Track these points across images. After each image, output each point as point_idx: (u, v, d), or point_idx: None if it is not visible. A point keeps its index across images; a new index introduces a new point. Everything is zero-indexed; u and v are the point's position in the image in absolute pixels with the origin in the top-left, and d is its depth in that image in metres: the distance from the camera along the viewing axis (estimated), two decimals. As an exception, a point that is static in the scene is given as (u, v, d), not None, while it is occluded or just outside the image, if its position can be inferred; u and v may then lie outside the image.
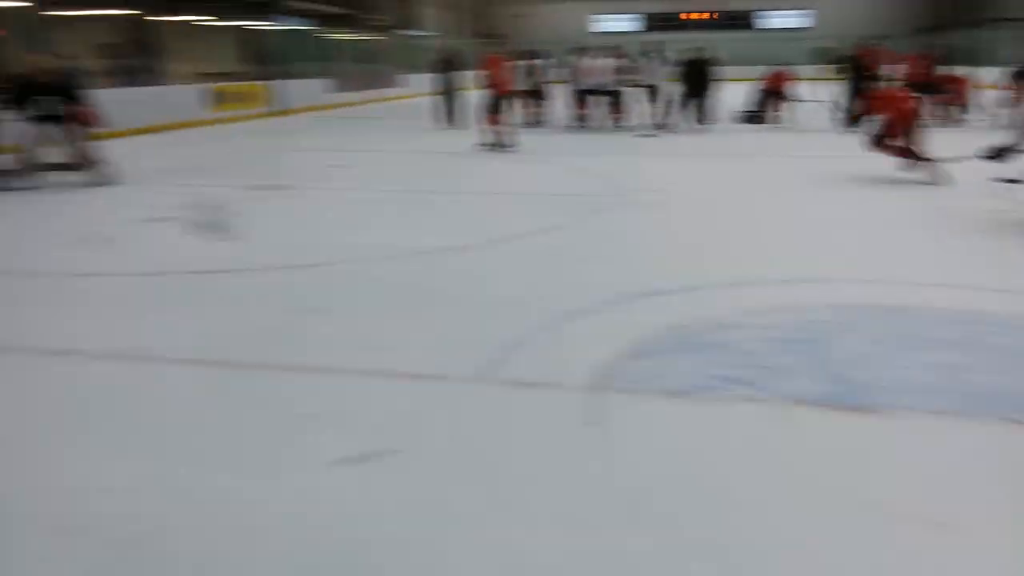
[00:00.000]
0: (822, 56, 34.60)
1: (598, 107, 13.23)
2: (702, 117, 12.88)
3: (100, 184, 7.72)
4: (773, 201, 7.04)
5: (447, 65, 14.07)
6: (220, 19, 19.71)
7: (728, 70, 13.32)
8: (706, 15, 40.08)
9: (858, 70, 12.62)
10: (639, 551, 2.02)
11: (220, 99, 15.01)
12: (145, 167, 9.02)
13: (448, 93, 14.09)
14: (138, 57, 15.33)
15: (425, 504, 2.24)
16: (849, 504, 2.22)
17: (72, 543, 2.08)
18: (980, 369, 3.10)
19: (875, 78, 13.18)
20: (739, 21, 39.92)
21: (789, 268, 4.65)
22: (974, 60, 20.29)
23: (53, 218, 6.48)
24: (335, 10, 25.60)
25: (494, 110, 10.39)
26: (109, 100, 8.80)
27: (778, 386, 2.95)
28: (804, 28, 39.11)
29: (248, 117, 15.59)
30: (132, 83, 14.53)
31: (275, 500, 2.27)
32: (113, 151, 8.40)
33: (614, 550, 2.03)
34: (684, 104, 12.85)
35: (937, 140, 8.00)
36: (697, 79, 12.71)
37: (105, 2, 15.16)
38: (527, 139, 11.53)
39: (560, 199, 7.07)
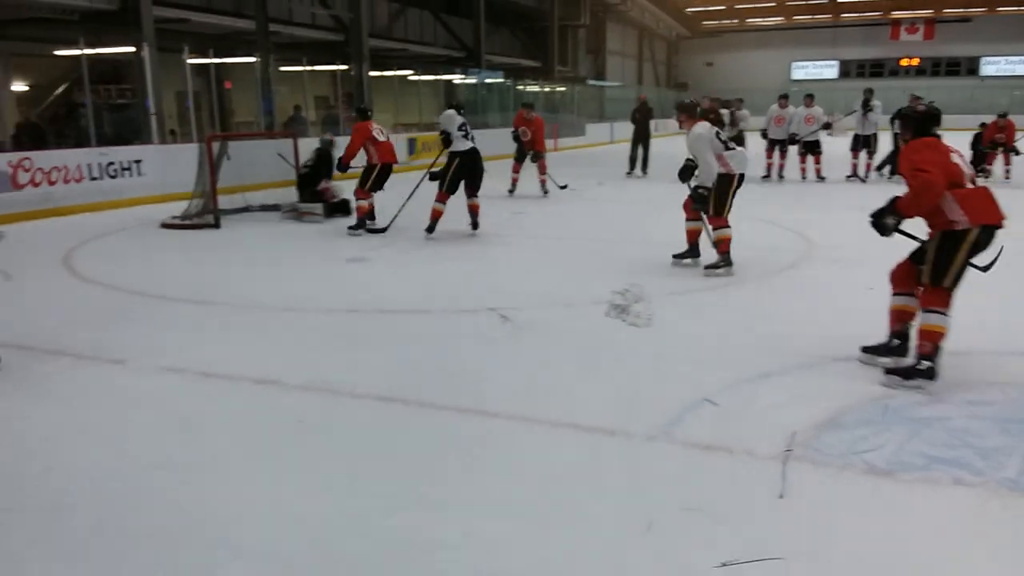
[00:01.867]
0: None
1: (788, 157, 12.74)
2: None
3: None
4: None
5: (639, 115, 14.13)
6: (420, 73, 21.15)
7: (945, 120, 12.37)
8: (916, 61, 37.67)
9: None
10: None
11: (418, 148, 16.02)
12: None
13: (639, 141, 14.12)
14: (347, 108, 16.76)
15: (603, 559, 2.23)
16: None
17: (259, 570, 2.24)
18: None
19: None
20: (958, 68, 37.09)
21: (1005, 338, 4.21)
22: None
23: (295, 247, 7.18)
24: (528, 62, 26.75)
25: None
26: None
27: (995, 470, 2.66)
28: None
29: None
30: (343, 132, 15.94)
31: (456, 544, 2.35)
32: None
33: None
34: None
35: None
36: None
37: (320, 59, 16.76)
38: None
39: (748, 252, 6.85)
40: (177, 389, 3.62)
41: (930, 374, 3.45)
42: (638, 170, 13.94)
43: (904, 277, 3.79)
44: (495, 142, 17.10)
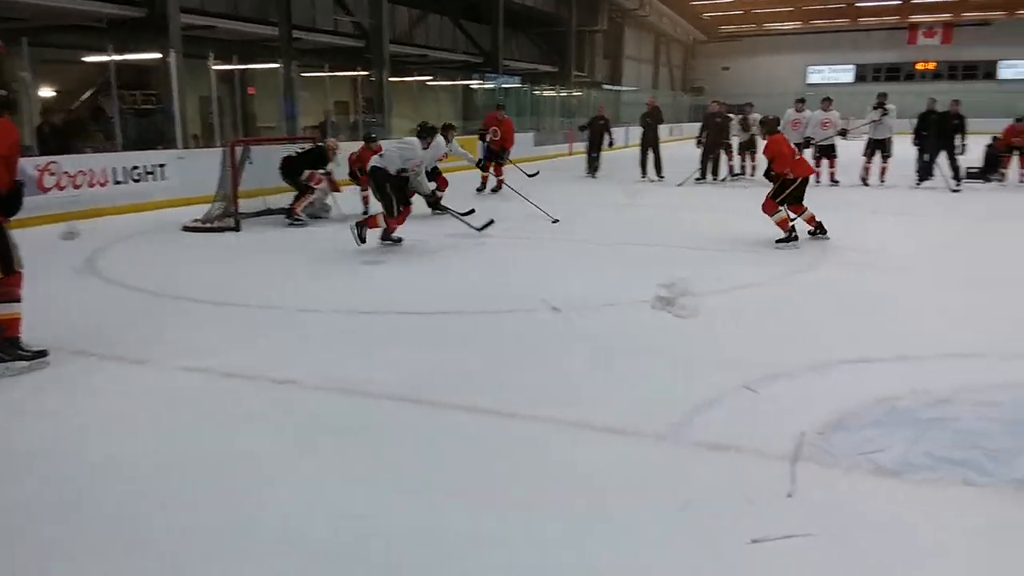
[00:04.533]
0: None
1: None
2: (955, 173, 11.89)
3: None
4: (996, 266, 6.40)
5: (650, 119, 14.16)
6: (439, 79, 21.30)
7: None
8: (933, 64, 37.44)
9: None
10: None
11: (435, 152, 16.12)
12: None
13: (648, 146, 14.17)
14: (367, 113, 16.93)
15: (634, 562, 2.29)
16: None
17: (292, 564, 2.31)
18: None
19: None
20: (975, 71, 36.82)
21: (1012, 340, 4.23)
22: None
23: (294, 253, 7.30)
24: (546, 67, 26.85)
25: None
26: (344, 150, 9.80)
27: (1005, 471, 2.70)
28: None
29: (458, 169, 16.58)
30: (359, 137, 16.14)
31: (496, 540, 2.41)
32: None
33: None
34: (926, 160, 11.97)
35: None
36: (944, 133, 11.78)
37: (342, 65, 16.95)
38: (741, 191, 11.34)
39: (763, 253, 6.89)
40: (201, 389, 3.72)
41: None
42: (652, 174, 13.97)
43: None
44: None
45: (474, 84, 22.14)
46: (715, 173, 13.50)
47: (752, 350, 4.15)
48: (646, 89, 32.85)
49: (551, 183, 12.76)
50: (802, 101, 12.87)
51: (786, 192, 7.13)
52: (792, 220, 7.22)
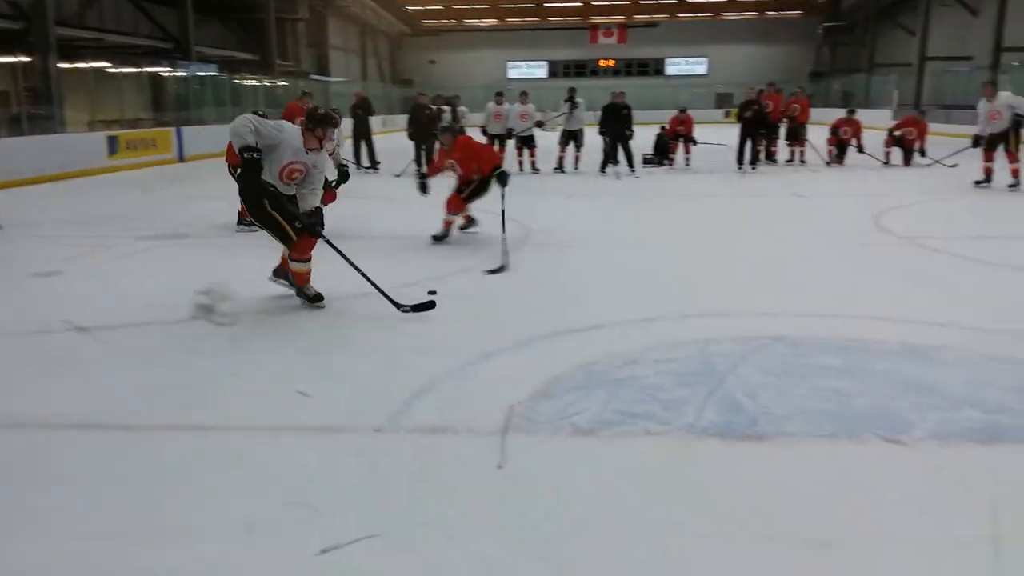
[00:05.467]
0: (720, 101, 36.49)
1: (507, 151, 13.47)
2: (629, 160, 13.08)
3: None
4: (676, 240, 7.33)
5: (360, 111, 14.10)
6: (119, 65, 19.21)
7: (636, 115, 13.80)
8: (612, 62, 41.73)
9: (758, 114, 13.30)
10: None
11: (121, 146, 14.56)
12: (31, 218, 8.65)
13: (361, 137, 14.10)
14: (31, 105, 14.78)
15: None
16: (743, 528, 2.32)
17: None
18: (860, 393, 3.31)
19: (772, 122, 14.00)
20: (647, 68, 41.71)
21: (694, 303, 4.86)
22: (862, 104, 21.71)
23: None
24: (245, 56, 25.41)
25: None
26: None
27: (677, 419, 3.07)
28: (700, 75, 41.13)
29: (151, 164, 15.16)
30: (27, 131, 14.04)
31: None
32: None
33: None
34: (610, 149, 13.14)
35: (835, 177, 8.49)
36: (618, 124, 12.90)
37: (-3, 48, 14.66)
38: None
39: (472, 240, 7.15)
40: None
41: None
42: (365, 162, 13.91)
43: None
44: (210, 140, 16.11)
45: (164, 72, 20.28)
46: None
47: (457, 335, 4.27)
48: (355, 80, 32.61)
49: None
50: (501, 95, 13.59)
51: (471, 189, 6.94)
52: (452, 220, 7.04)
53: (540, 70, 42.50)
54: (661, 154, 14.47)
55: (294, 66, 28.22)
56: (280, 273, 5.06)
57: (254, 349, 4.14)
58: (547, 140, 14.10)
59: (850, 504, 2.47)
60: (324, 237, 4.75)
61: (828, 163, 14.13)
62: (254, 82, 23.47)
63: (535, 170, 13.46)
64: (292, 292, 4.95)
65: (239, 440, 3.02)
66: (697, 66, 41.71)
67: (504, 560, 2.19)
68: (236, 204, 7.05)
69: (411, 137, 13.43)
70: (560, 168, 13.52)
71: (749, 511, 2.44)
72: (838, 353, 3.82)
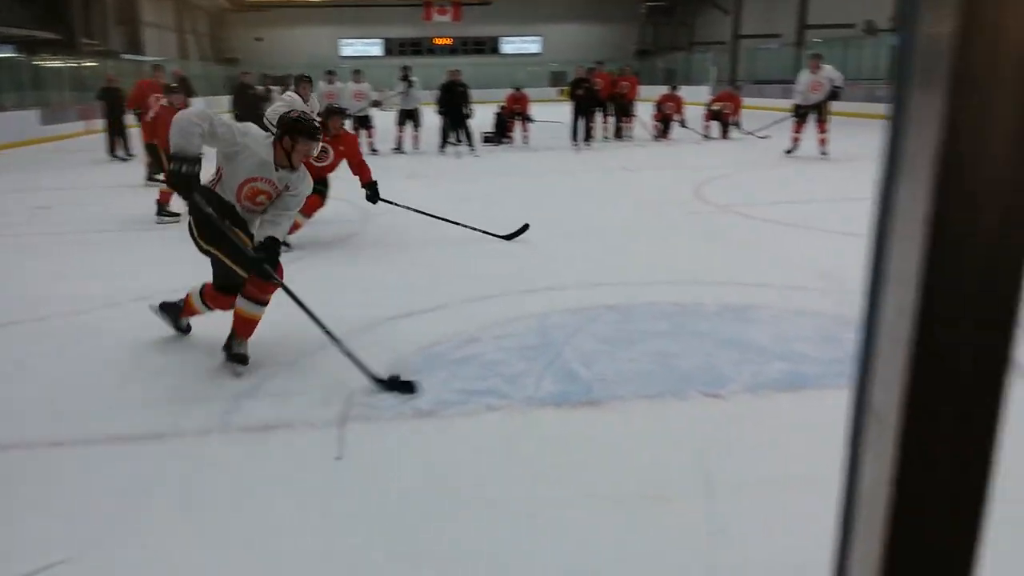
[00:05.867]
0: (554, 79, 37.36)
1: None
2: (469, 139, 13.03)
3: None
4: (514, 217, 7.46)
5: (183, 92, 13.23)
6: None
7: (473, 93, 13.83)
8: (449, 40, 41.60)
9: (589, 92, 13.73)
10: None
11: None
12: None
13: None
14: None
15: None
16: (581, 490, 2.43)
17: None
18: (684, 354, 3.54)
19: (602, 99, 14.50)
20: (483, 47, 41.89)
21: (532, 279, 4.97)
22: (684, 80, 23.02)
23: None
24: (46, 34, 23.09)
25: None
26: None
27: (518, 392, 3.14)
28: (535, 54, 41.94)
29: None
30: None
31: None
32: None
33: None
34: (449, 128, 13.05)
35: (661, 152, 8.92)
36: (456, 103, 12.84)
37: None
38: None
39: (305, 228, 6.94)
40: None
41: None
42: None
43: None
44: (7, 127, 14.61)
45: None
46: None
47: (292, 326, 4.13)
48: (174, 59, 30.49)
49: (63, 168, 11.12)
50: (332, 73, 13.20)
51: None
52: None
53: (375, 48, 41.60)
54: (500, 132, 14.64)
55: (102, 45, 25.94)
56: (170, 309, 3.97)
57: (62, 355, 3.81)
58: (385, 120, 13.86)
59: (675, 458, 2.64)
60: (282, 284, 3.54)
61: (655, 138, 14.85)
62: (57, 63, 21.39)
63: (373, 151, 13.20)
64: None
65: (44, 455, 2.79)
66: (531, 44, 42.37)
67: (344, 550, 2.16)
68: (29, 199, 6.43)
69: (236, 120, 12.75)
70: (399, 148, 13.37)
71: (586, 473, 2.55)
72: (665, 317, 4.06)
